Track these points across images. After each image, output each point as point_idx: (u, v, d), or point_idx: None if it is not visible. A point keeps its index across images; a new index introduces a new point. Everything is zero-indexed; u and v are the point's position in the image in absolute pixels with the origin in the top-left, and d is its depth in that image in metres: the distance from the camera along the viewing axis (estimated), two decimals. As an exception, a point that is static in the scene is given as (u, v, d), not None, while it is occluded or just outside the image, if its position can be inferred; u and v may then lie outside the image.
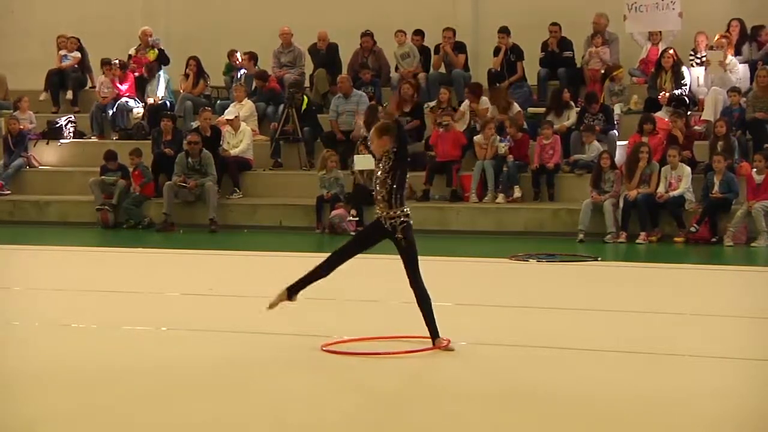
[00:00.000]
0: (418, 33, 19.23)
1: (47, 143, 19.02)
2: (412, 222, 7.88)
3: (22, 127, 18.54)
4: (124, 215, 16.98)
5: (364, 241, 8.10)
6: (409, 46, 18.94)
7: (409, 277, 7.79)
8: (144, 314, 9.35)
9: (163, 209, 16.70)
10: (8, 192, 17.96)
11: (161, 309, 9.70)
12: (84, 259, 13.52)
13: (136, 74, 19.61)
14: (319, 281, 8.04)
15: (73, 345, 8.15)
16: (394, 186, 7.70)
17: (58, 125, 19.11)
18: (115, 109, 19.22)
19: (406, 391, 7.04)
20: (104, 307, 9.80)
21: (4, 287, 10.98)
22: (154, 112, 18.76)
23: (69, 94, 20.18)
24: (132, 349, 7.96)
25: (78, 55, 20.27)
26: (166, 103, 19.03)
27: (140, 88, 19.51)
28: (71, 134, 19.19)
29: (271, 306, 8.03)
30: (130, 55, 19.94)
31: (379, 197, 7.81)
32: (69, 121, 19.27)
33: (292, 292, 8.03)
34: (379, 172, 7.79)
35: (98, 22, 21.03)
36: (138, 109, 19.29)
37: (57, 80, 20.17)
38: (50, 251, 14.22)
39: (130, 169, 17.20)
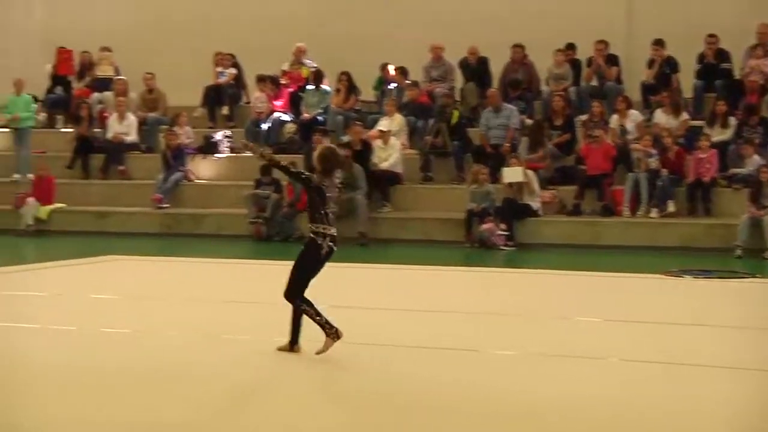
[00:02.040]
0: (571, 47, 18.98)
1: (204, 158, 19.44)
2: (320, 242, 8.04)
3: (180, 142, 19.00)
4: (276, 228, 17.21)
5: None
6: (566, 68, 18.68)
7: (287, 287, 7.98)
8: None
9: (315, 222, 16.82)
10: (167, 205, 18.42)
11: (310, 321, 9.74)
12: (236, 270, 13.74)
13: (290, 89, 19.89)
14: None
15: (229, 355, 8.25)
16: (311, 208, 8.06)
17: (214, 140, 19.53)
18: (269, 124, 19.53)
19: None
20: (255, 319, 9.91)
21: (160, 298, 11.23)
22: (307, 127, 18.99)
23: (225, 110, 20.60)
24: (292, 362, 8.00)
25: (234, 71, 20.68)
26: (318, 118, 19.24)
27: (294, 103, 19.78)
28: (227, 149, 19.58)
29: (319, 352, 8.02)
30: (283, 71, 20.25)
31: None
32: (225, 136, 19.67)
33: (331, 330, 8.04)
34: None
35: (253, 38, 21.43)
36: (291, 124, 19.55)
37: (213, 96, 20.62)
38: (205, 263, 14.50)
39: (284, 183, 17.43)
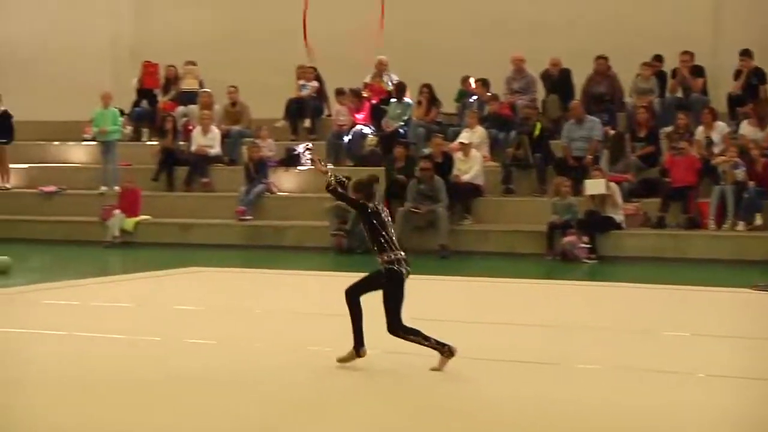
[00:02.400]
0: (658, 59, 18.77)
1: (286, 170, 19.59)
2: (398, 269, 7.94)
3: (262, 154, 19.17)
4: (358, 240, 17.24)
5: (370, 282, 8.11)
6: (652, 81, 18.45)
7: (387, 323, 7.87)
8: (375, 339, 9.40)
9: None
10: (250, 217, 18.58)
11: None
12: (317, 283, 13.80)
13: (372, 102, 19.95)
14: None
15: (314, 366, 8.28)
16: (371, 235, 7.98)
17: (296, 152, 19.67)
18: (350, 137, 19.62)
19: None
20: (337, 331, 9.93)
21: (243, 309, 11.32)
22: (388, 139, 19.03)
23: (307, 122, 20.74)
24: (368, 374, 8.01)
25: (316, 84, 20.82)
26: (399, 131, 19.27)
27: (375, 116, 19.84)
28: (308, 161, 19.69)
29: (342, 360, 8.05)
30: (365, 84, 20.33)
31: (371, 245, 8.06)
32: (306, 149, 19.79)
33: (358, 347, 8.04)
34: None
35: (335, 51, 21.55)
36: (372, 137, 19.61)
37: (295, 109, 20.77)
38: (286, 275, 14.59)
39: (364, 195, 17.45)
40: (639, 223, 16.58)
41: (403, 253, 8.06)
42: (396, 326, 7.93)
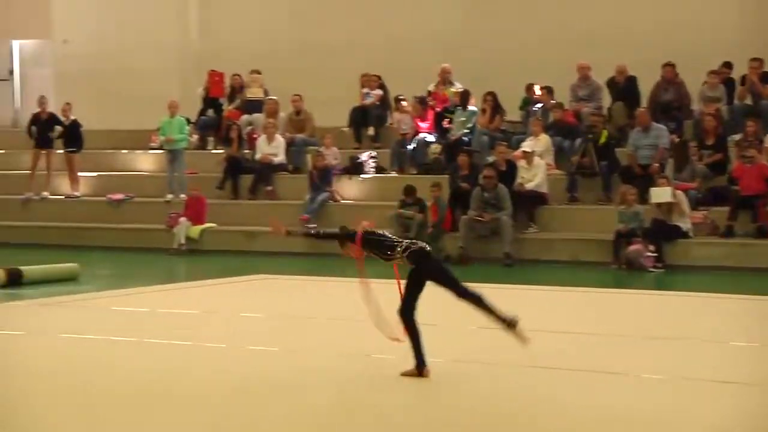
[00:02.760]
0: (727, 66, 18.57)
1: (349, 178, 19.67)
2: (421, 245, 8.16)
3: (326, 162, 19.27)
4: (421, 248, 17.23)
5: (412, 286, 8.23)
6: (720, 90, 18.26)
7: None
8: (436, 346, 9.42)
9: (459, 243, 16.88)
10: (314, 225, 18.64)
11: (455, 342, 9.76)
12: (380, 291, 13.76)
13: (436, 110, 19.98)
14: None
15: (370, 377, 8.32)
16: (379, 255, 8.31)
17: (360, 160, 19.75)
18: (415, 145, 19.65)
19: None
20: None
21: (307, 317, 11.39)
22: (452, 147, 19.03)
23: (371, 130, 20.82)
24: (432, 384, 8.03)
25: (380, 92, 20.89)
26: (463, 138, 19.27)
27: (439, 124, 19.85)
28: (372, 169, 19.77)
29: (524, 340, 7.99)
30: (429, 92, 20.36)
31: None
32: (370, 157, 19.87)
33: (420, 366, 8.03)
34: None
35: (398, 59, 21.63)
36: (436, 145, 19.63)
37: (359, 117, 20.87)
38: (350, 283, 14.60)
39: (428, 203, 17.50)
40: (707, 232, 16.40)
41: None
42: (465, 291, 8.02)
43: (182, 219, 18.88)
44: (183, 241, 18.69)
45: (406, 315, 8.15)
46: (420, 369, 8.06)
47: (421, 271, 8.14)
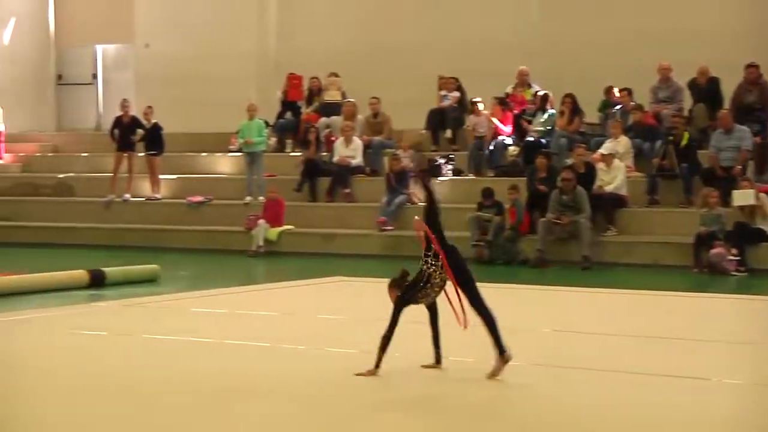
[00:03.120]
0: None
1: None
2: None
3: (403, 165, 19.31)
4: (499, 251, 17.24)
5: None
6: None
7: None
8: (518, 350, 9.40)
9: (537, 246, 16.81)
10: (391, 228, 18.74)
11: (529, 345, 9.74)
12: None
13: (514, 112, 19.92)
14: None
15: (446, 379, 8.33)
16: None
17: (437, 163, 19.75)
18: (492, 147, 19.61)
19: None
20: (479, 342, 9.96)
21: (385, 319, 11.43)
22: (530, 149, 18.96)
23: (448, 133, 20.82)
24: (512, 387, 8.03)
25: (457, 94, 20.88)
26: (541, 140, 19.18)
27: (517, 126, 19.79)
28: (449, 172, 19.76)
29: (493, 376, 8.08)
30: (507, 93, 20.31)
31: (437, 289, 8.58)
32: (447, 159, 19.87)
33: (501, 352, 8.12)
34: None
35: (475, 61, 21.61)
36: (513, 147, 19.57)
37: (437, 119, 20.88)
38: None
39: (506, 206, 17.46)
40: (790, 235, 16.12)
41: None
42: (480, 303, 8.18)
43: (260, 221, 19.06)
44: (261, 243, 18.87)
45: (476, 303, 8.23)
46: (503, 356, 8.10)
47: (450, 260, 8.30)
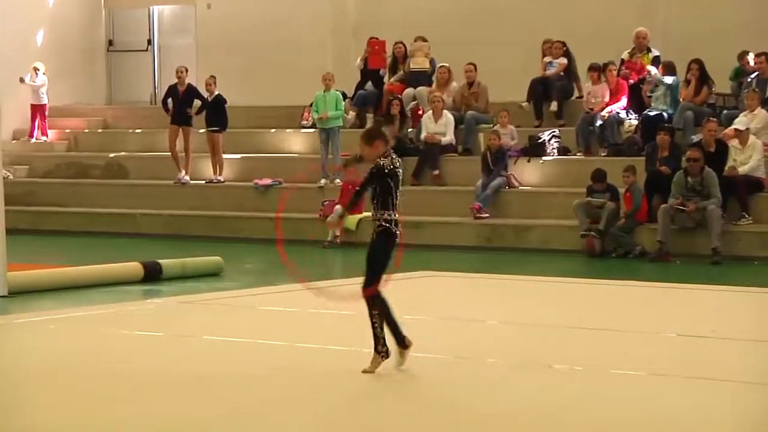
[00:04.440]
0: None
1: (528, 160, 19.57)
2: (395, 231, 8.70)
3: (502, 143, 19.22)
4: (613, 242, 17.08)
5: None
6: None
7: (364, 282, 8.61)
8: (633, 356, 9.33)
9: (658, 236, 16.63)
10: (486, 215, 18.66)
11: (653, 351, 9.63)
12: (565, 291, 13.75)
13: (630, 81, 19.69)
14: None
15: (553, 388, 8.29)
16: (372, 192, 8.72)
17: (540, 140, 19.62)
18: (604, 122, 19.42)
19: None
20: (589, 347, 9.89)
21: (480, 320, 11.42)
22: (649, 125, 18.73)
23: (553, 106, 20.66)
24: (622, 398, 7.96)
25: (564, 61, 20.70)
26: (662, 114, 18.95)
27: (634, 98, 19.56)
28: (555, 150, 19.62)
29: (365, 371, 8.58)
30: (622, 60, 20.09)
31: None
32: (553, 136, 19.72)
33: (399, 343, 8.69)
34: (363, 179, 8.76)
35: (587, 23, 21.40)
36: (630, 122, 19.36)
37: (541, 90, 20.73)
38: (528, 281, 14.60)
39: (621, 190, 17.29)
40: None
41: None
42: (373, 287, 8.59)
43: (337, 207, 19.05)
44: (338, 232, 18.92)
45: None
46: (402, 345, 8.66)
47: (375, 242, 8.79)
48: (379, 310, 8.64)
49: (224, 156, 21.74)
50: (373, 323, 8.63)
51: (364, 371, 8.53)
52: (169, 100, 21.88)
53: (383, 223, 8.71)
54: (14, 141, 24.61)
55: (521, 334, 10.62)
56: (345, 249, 18.61)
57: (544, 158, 19.54)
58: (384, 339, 8.61)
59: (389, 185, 8.69)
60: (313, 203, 19.77)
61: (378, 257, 8.71)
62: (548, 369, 8.87)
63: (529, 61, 21.02)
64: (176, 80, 21.89)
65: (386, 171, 8.68)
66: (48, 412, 7.68)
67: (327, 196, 19.81)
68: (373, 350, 8.63)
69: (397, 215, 8.73)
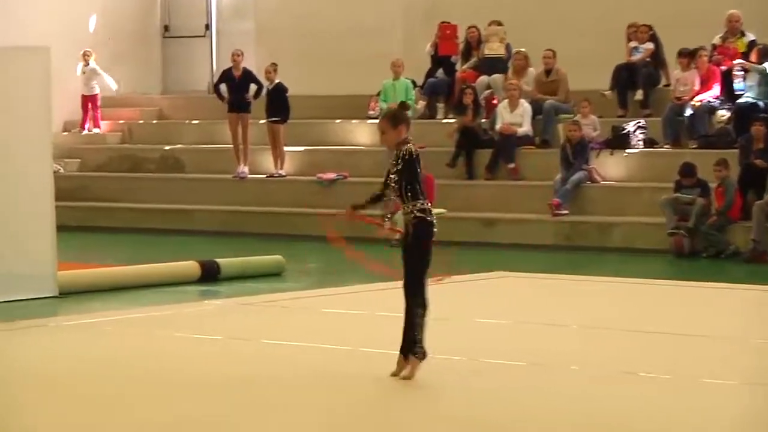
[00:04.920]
0: None
1: (611, 153, 19.44)
2: (432, 220, 8.63)
3: (583, 134, 19.11)
4: (703, 242, 16.93)
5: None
6: None
7: (404, 281, 8.52)
8: (726, 364, 9.24)
9: (752, 235, 16.46)
10: (566, 212, 18.56)
11: (746, 359, 9.54)
12: (651, 293, 13.65)
13: (723, 68, 19.50)
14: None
15: (639, 398, 8.23)
16: (403, 182, 8.62)
17: (624, 131, 19.48)
18: (694, 112, 19.25)
19: None
20: (678, 354, 9.82)
21: (558, 324, 11.37)
22: (743, 115, 18.53)
23: (638, 94, 20.51)
24: (714, 409, 7.89)
25: (651, 46, 20.55)
26: (757, 104, 18.73)
27: (727, 85, 19.36)
28: (640, 142, 19.48)
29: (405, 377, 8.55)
30: (714, 45, 19.90)
31: (393, 195, 8.81)
32: (638, 127, 19.57)
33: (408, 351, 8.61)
34: (393, 169, 8.71)
35: (676, 5, 21.21)
36: (723, 112, 19.16)
37: (625, 77, 20.58)
38: (611, 283, 14.51)
39: (712, 186, 17.13)
40: None
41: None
42: (416, 288, 8.51)
43: (396, 215, 19.00)
44: (402, 229, 18.86)
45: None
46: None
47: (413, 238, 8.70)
48: (423, 312, 8.59)
49: (285, 148, 21.81)
50: (414, 324, 8.57)
51: (404, 377, 8.52)
52: (223, 87, 21.95)
53: (418, 214, 8.65)
54: (65, 133, 24.85)
55: (603, 340, 10.55)
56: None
57: (628, 151, 19.40)
58: (422, 340, 8.59)
59: (417, 172, 8.67)
60: (379, 199, 19.69)
61: (418, 254, 8.65)
62: (634, 377, 8.80)
63: (612, 46, 20.86)
64: (231, 64, 21.97)
65: (416, 156, 8.66)
66: (99, 416, 7.75)
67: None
68: (400, 354, 8.63)
69: (427, 204, 8.69)
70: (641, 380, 8.74)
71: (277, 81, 21.68)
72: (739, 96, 19.01)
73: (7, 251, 12.72)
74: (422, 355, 8.57)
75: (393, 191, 8.76)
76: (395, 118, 8.92)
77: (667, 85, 20.44)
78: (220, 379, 8.79)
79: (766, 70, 18.75)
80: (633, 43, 20.71)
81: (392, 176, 8.73)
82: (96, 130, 24.83)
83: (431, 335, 10.71)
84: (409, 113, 20.43)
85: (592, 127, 19.55)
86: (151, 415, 7.76)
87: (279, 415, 7.81)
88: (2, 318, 11.64)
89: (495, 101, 20.84)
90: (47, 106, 13.31)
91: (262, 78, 21.85)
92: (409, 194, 8.63)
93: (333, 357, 9.71)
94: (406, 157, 8.64)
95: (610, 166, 19.45)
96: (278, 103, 21.61)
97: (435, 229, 8.68)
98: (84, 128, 24.76)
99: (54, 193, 13.35)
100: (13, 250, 12.76)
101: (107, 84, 24.72)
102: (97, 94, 24.73)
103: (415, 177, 8.63)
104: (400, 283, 8.65)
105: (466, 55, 22.05)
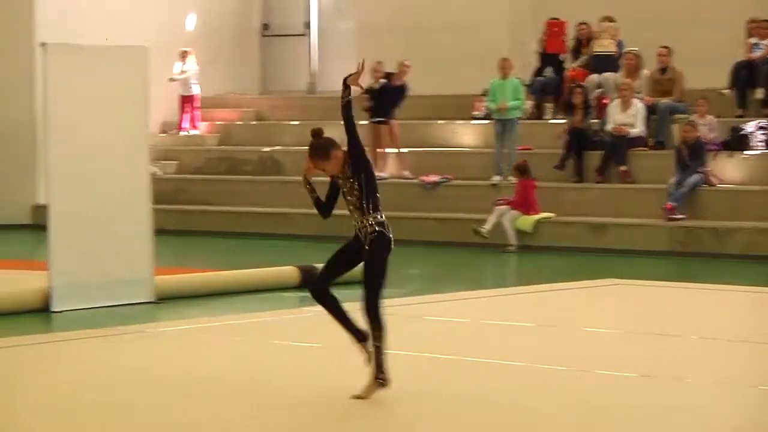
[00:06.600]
0: None
1: (730, 155, 19.24)
2: (390, 236, 8.61)
3: (699, 135, 18.94)
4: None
5: (343, 257, 8.81)
6: None
7: (365, 303, 8.40)
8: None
9: None
10: (682, 216, 18.40)
11: None
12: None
13: None
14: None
15: (762, 412, 8.16)
16: (363, 191, 8.48)
17: (743, 132, 19.28)
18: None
19: None
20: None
21: (673, 334, 11.28)
22: None
23: (759, 93, 20.26)
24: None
25: (776, 42, 20.32)
26: None
27: None
28: (761, 143, 19.25)
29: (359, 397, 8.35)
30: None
31: (351, 208, 8.60)
32: (759, 127, 19.36)
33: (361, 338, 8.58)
34: (345, 185, 8.52)
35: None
36: None
37: (745, 75, 20.34)
38: (729, 291, 14.36)
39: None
40: None
41: None
42: (375, 305, 8.46)
43: (500, 207, 18.94)
44: (512, 236, 18.82)
45: (321, 292, 8.84)
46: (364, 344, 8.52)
47: (368, 251, 8.64)
48: (381, 335, 8.48)
49: (387, 150, 21.86)
50: (376, 347, 8.45)
51: (359, 397, 8.38)
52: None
53: (377, 227, 8.59)
54: (162, 134, 25.16)
55: (721, 351, 10.45)
56: (520, 254, 18.51)
57: (747, 152, 19.20)
58: (385, 366, 8.42)
59: (374, 179, 8.49)
60: (484, 203, 19.70)
61: (377, 270, 8.59)
62: (754, 390, 8.71)
63: (731, 43, 20.65)
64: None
65: (369, 161, 8.54)
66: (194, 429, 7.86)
67: (501, 194, 19.74)
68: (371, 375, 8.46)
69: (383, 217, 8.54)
70: (762, 393, 8.64)
71: (383, 81, 21.65)
72: None
73: (104, 256, 12.90)
74: (384, 383, 8.39)
75: (352, 206, 8.64)
76: (322, 149, 8.70)
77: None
78: (318, 389, 8.87)
79: None
80: (753, 39, 20.47)
81: (348, 197, 8.64)
82: (194, 132, 25.09)
83: (533, 344, 10.71)
84: (518, 113, 20.62)
85: (709, 127, 19.35)
86: (247, 428, 7.84)
87: (376, 425, 7.85)
88: (99, 324, 11.82)
89: (606, 101, 20.71)
90: (145, 106, 13.49)
91: (372, 77, 21.68)
92: (368, 205, 8.58)
93: (435, 367, 9.74)
94: (365, 167, 8.45)
95: (727, 169, 19.25)
96: (386, 102, 21.59)
97: (392, 246, 8.66)
98: (181, 129, 25.04)
99: (151, 196, 13.52)
100: (111, 254, 12.93)
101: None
102: (195, 95, 24.97)
103: (372, 185, 8.52)
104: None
105: (575, 53, 21.95)
